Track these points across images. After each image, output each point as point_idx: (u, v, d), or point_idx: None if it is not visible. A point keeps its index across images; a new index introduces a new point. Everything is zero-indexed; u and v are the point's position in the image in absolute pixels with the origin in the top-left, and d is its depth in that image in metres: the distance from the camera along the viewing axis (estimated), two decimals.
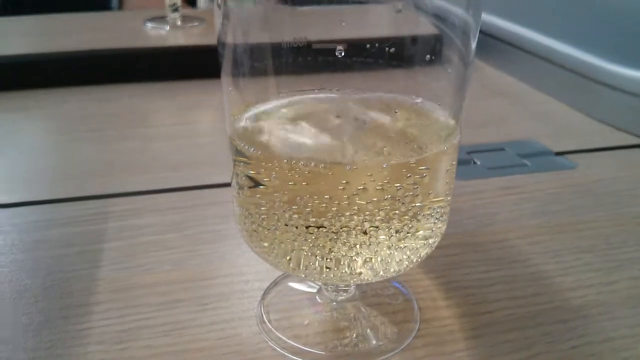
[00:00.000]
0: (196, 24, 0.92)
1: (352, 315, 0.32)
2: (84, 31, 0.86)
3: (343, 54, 0.25)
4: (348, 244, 0.25)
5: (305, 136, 0.27)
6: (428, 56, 0.25)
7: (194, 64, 0.71)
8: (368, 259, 0.25)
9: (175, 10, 0.91)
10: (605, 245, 0.39)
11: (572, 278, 0.35)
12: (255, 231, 0.27)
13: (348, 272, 0.25)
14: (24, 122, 0.62)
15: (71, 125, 0.61)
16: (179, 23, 0.91)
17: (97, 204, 0.44)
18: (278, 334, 0.30)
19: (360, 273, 0.26)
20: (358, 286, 0.33)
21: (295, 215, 0.25)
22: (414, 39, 0.25)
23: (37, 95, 0.68)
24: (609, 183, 0.47)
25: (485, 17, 0.78)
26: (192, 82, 0.70)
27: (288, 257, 0.26)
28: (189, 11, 0.98)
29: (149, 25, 0.90)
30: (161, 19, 0.91)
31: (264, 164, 0.25)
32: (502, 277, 0.35)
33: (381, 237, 0.25)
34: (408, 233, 0.25)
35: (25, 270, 0.36)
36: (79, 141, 0.56)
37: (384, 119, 0.28)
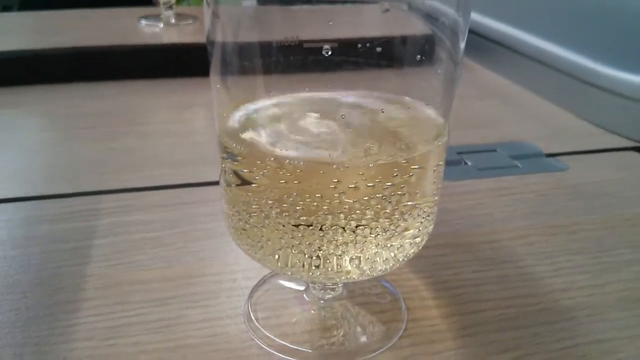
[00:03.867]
0: (190, 21, 0.92)
1: (339, 313, 0.32)
2: (78, 28, 0.86)
3: (332, 53, 0.25)
4: (335, 242, 0.25)
5: (295, 135, 0.27)
6: (417, 56, 0.25)
7: (188, 62, 0.70)
8: (355, 257, 0.25)
9: (170, 7, 0.90)
10: (597, 248, 0.39)
11: (562, 279, 0.35)
12: (243, 229, 0.27)
13: (335, 270, 0.25)
14: (15, 118, 0.61)
15: (63, 121, 0.60)
16: (173, 21, 0.91)
17: (88, 200, 0.43)
18: (265, 332, 0.30)
19: (348, 271, 0.26)
20: (346, 285, 0.33)
21: (285, 214, 0.25)
22: (404, 39, 0.25)
23: (29, 91, 0.67)
24: (600, 185, 0.47)
25: (479, 18, 0.78)
26: (185, 80, 0.70)
27: (276, 255, 0.26)
28: (183, 9, 0.98)
29: (143, 22, 0.90)
30: (155, 16, 0.91)
31: (253, 162, 0.25)
32: (492, 277, 0.35)
33: (369, 235, 0.25)
34: (395, 232, 0.25)
35: (15, 266, 0.36)
36: (71, 138, 0.56)
37: (373, 118, 0.29)
